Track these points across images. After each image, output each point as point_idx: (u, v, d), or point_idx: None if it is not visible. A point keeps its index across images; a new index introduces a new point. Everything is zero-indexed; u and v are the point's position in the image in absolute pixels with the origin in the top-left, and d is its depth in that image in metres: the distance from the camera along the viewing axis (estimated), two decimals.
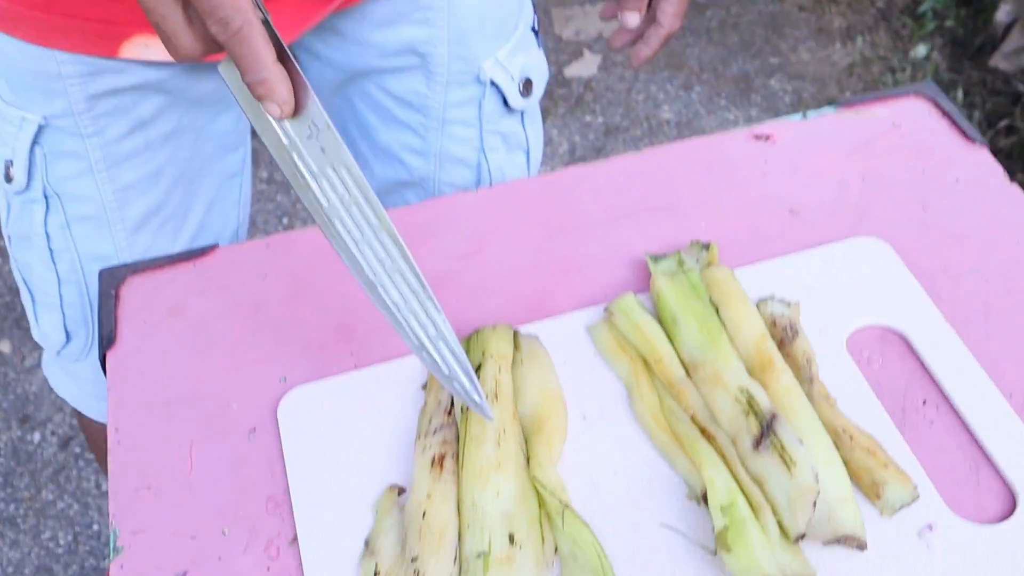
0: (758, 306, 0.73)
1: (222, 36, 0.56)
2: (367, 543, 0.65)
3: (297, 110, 0.60)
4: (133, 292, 0.82)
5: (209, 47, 0.59)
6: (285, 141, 0.61)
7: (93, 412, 1.09)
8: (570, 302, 0.78)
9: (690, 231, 0.81)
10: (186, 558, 0.66)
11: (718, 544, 0.60)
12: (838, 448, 0.65)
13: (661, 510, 0.65)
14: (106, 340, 0.79)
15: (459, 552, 0.63)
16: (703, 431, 0.66)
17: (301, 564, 0.65)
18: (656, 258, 0.77)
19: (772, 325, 0.72)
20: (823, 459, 0.63)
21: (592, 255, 0.81)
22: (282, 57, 0.58)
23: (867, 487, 0.64)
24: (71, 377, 1.07)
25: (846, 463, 0.64)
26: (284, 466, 0.70)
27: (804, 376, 0.69)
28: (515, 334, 0.73)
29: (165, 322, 0.80)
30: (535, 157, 1.04)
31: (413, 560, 0.62)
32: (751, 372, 0.69)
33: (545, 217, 0.84)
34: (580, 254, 0.81)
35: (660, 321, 0.73)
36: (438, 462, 0.66)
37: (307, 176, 0.62)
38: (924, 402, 0.69)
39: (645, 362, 0.71)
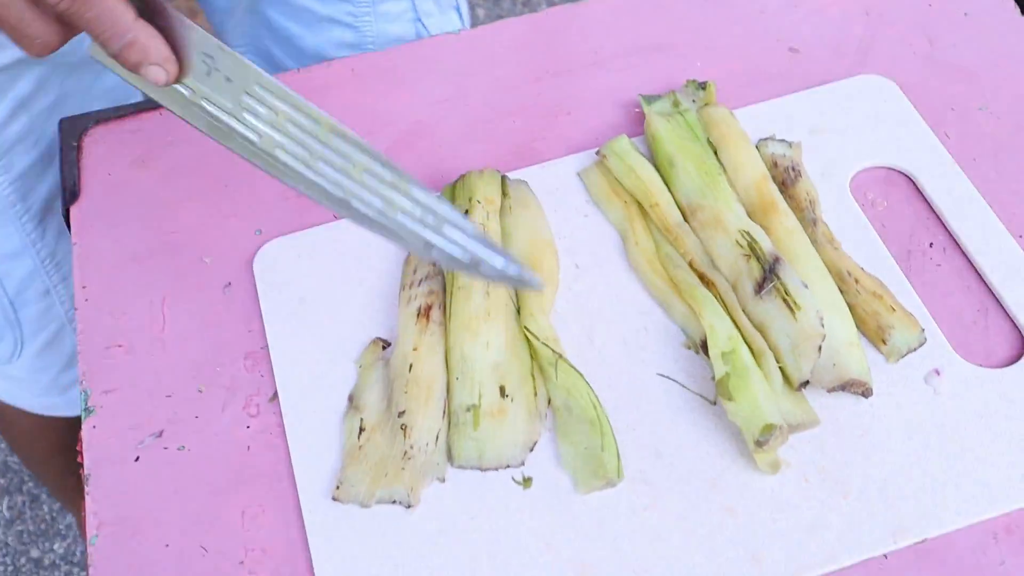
0: (758, 147, 0.69)
1: (66, 6, 0.49)
2: (351, 399, 0.62)
3: (182, 68, 0.53)
4: (96, 143, 0.77)
5: (65, 29, 0.51)
6: (186, 93, 0.54)
7: (34, 407, 1.02)
8: (560, 147, 0.74)
9: (685, 71, 0.76)
10: (162, 417, 0.63)
11: (719, 392, 0.57)
12: (843, 292, 0.62)
13: (657, 360, 0.63)
14: (69, 194, 0.74)
15: (447, 406, 0.60)
16: (702, 277, 0.63)
17: (282, 421, 0.62)
18: (650, 99, 0.73)
19: (773, 166, 0.68)
20: (828, 303, 0.60)
21: (582, 98, 0.76)
22: (150, 10, 0.51)
23: (872, 332, 0.61)
24: (5, 379, 0.99)
25: (851, 307, 0.62)
26: (262, 321, 0.66)
27: (807, 218, 0.65)
28: (503, 179, 0.69)
29: (131, 174, 0.75)
30: (464, 10, 0.97)
31: (400, 415, 0.60)
32: (752, 215, 0.65)
33: (532, 59, 0.79)
34: (570, 97, 0.76)
35: (656, 164, 0.69)
36: (424, 313, 0.63)
37: (225, 119, 0.54)
38: (931, 244, 0.66)
39: (640, 207, 0.68)
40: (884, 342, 0.61)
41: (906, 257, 0.66)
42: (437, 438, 0.59)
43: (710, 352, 0.59)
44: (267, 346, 0.65)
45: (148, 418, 0.63)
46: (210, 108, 0.54)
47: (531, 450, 0.59)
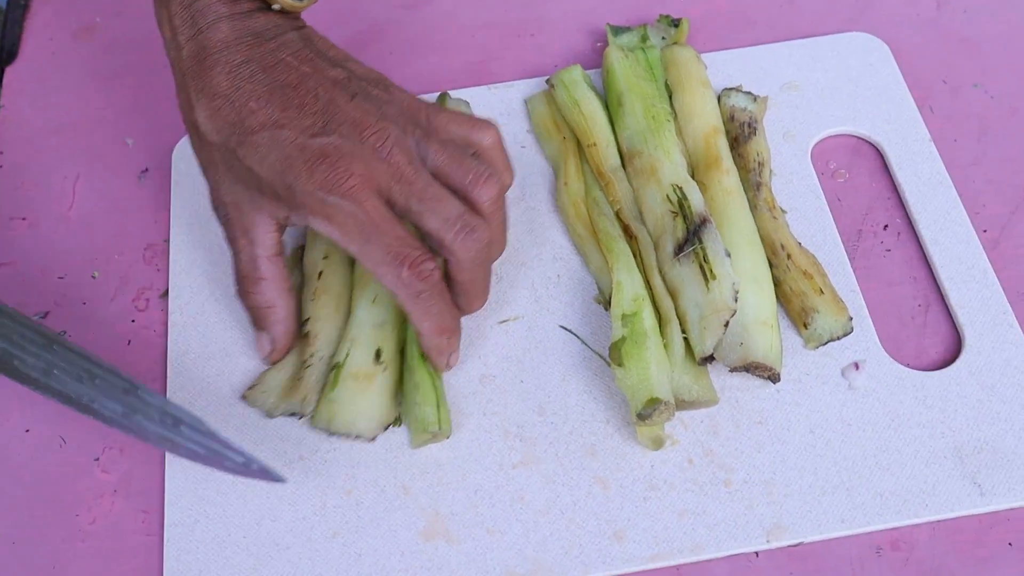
0: (719, 97, 0.64)
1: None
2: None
3: None
4: (45, 4, 0.74)
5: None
6: None
7: None
8: (515, 70, 0.69)
9: (660, 5, 0.71)
10: (50, 298, 0.61)
11: (611, 356, 0.53)
12: (772, 267, 0.57)
13: (564, 311, 0.59)
14: (7, 53, 0.71)
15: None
16: (626, 229, 0.59)
17: (167, 319, 0.60)
18: (617, 30, 0.67)
19: (729, 119, 0.63)
20: (750, 276, 0.56)
21: (550, 20, 0.71)
22: None
23: (795, 313, 0.57)
24: None
25: (777, 284, 0.57)
26: (170, 214, 0.64)
27: (752, 181, 0.60)
28: (442, 96, 0.65)
29: (74, 42, 0.72)
30: None
31: (304, 322, 0.57)
32: (695, 170, 0.60)
33: None
34: (537, 17, 0.71)
35: (606, 102, 0.64)
36: None
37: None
38: (885, 227, 0.61)
39: (578, 144, 0.63)
40: (806, 326, 0.56)
41: (855, 237, 0.60)
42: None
43: (611, 312, 0.55)
44: (170, 240, 0.63)
45: (37, 296, 0.61)
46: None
47: (385, 429, 0.55)
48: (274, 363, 0.57)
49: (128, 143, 0.67)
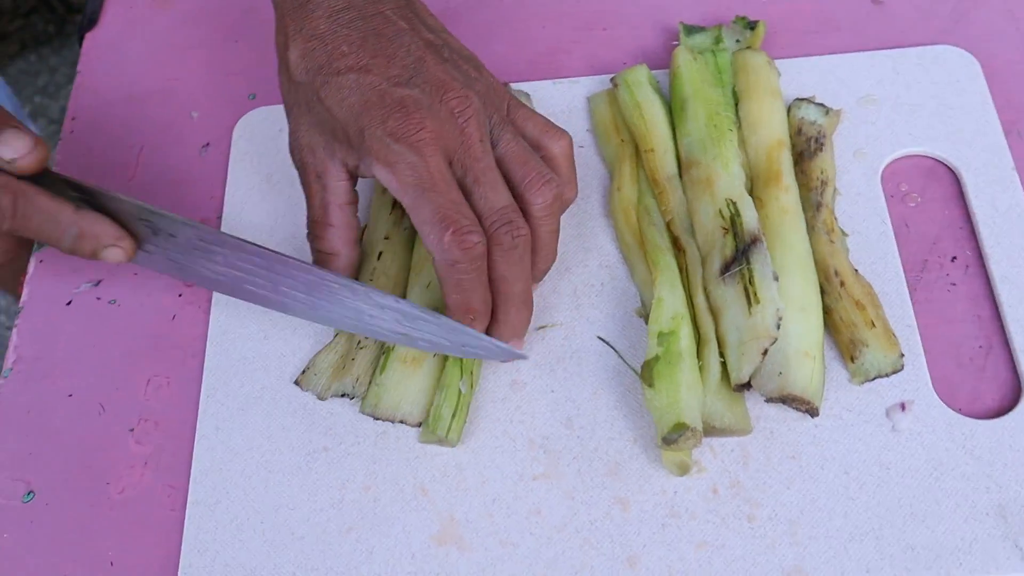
0: (790, 107, 0.61)
1: (8, 226, 0.52)
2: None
3: (133, 238, 0.55)
4: None
5: (18, 240, 0.55)
6: (146, 252, 0.56)
7: None
8: (583, 65, 0.67)
9: (742, 5, 0.68)
10: (103, 266, 0.62)
11: (642, 375, 0.52)
12: (823, 293, 0.55)
13: (604, 321, 0.57)
14: (88, 20, 0.73)
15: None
16: (675, 241, 0.57)
17: (212, 296, 0.60)
18: (691, 29, 0.65)
19: (796, 132, 0.60)
20: (797, 303, 0.53)
21: (624, 14, 0.69)
22: (84, 196, 0.54)
23: (843, 344, 0.54)
24: None
25: (827, 312, 0.54)
26: (224, 191, 0.64)
27: (812, 200, 0.57)
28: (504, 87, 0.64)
29: (151, 12, 0.73)
30: None
31: None
32: (752, 184, 0.58)
33: None
34: (611, 11, 0.69)
35: (671, 106, 0.62)
36: (399, 205, 0.58)
37: (191, 264, 0.56)
38: (953, 259, 0.57)
39: (636, 149, 0.61)
40: (853, 359, 0.53)
41: (919, 267, 0.57)
42: None
43: (648, 329, 0.53)
44: (222, 217, 0.63)
45: (91, 264, 0.62)
46: (173, 257, 0.56)
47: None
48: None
49: (193, 116, 0.68)
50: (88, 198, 0.54)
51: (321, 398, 0.56)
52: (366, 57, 0.52)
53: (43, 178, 0.53)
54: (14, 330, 0.61)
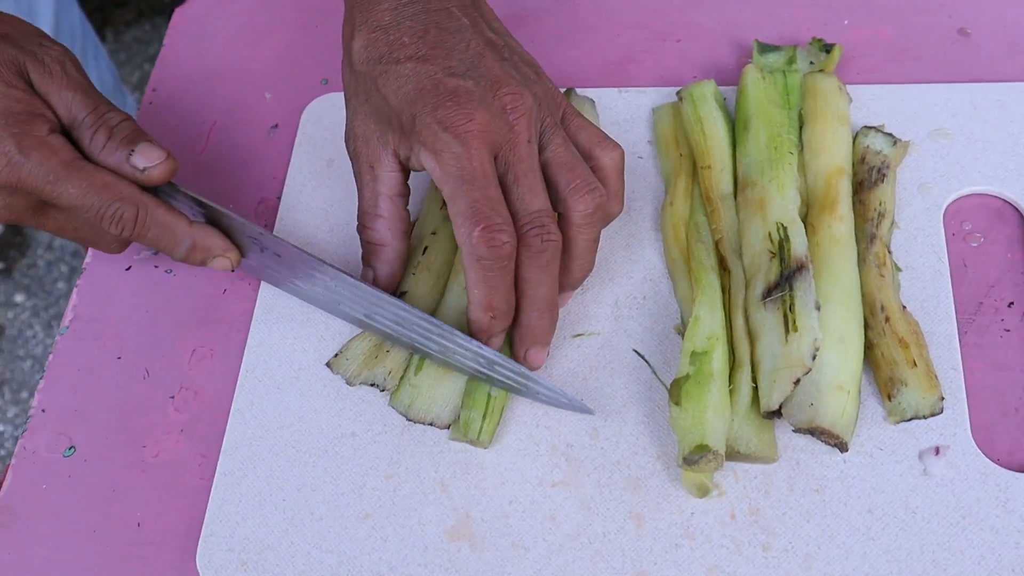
0: (856, 135, 0.60)
1: (128, 234, 0.55)
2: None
3: (241, 252, 0.58)
4: None
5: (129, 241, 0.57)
6: (252, 264, 0.60)
7: None
8: (652, 75, 0.66)
9: (824, 26, 0.66)
10: None
11: (670, 393, 0.51)
12: (867, 328, 0.53)
13: (642, 334, 0.57)
14: None
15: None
16: (721, 261, 0.56)
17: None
18: (765, 47, 0.64)
19: (860, 161, 0.58)
20: (837, 335, 0.52)
21: (698, 26, 0.68)
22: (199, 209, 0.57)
23: (882, 381, 0.53)
24: None
25: (869, 347, 0.53)
26: (287, 173, 0.65)
27: (867, 231, 0.56)
28: (570, 92, 0.64)
29: None
30: None
31: (401, 295, 0.57)
32: (808, 210, 0.57)
33: None
34: (687, 22, 0.68)
35: (734, 123, 0.61)
36: None
37: (292, 278, 0.59)
38: (1010, 304, 0.55)
39: (694, 165, 0.60)
40: (890, 397, 0.52)
41: (973, 309, 0.55)
42: None
43: (682, 347, 0.52)
44: (281, 197, 0.64)
45: None
46: (275, 271, 0.59)
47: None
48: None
49: (267, 97, 0.69)
50: (203, 211, 0.57)
51: (350, 383, 0.57)
52: (425, 48, 0.52)
53: (164, 189, 0.56)
54: (75, 290, 0.63)
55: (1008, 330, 0.55)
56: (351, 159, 0.56)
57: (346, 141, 0.56)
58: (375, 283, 0.56)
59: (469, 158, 0.50)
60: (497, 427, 0.54)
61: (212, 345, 0.60)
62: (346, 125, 0.56)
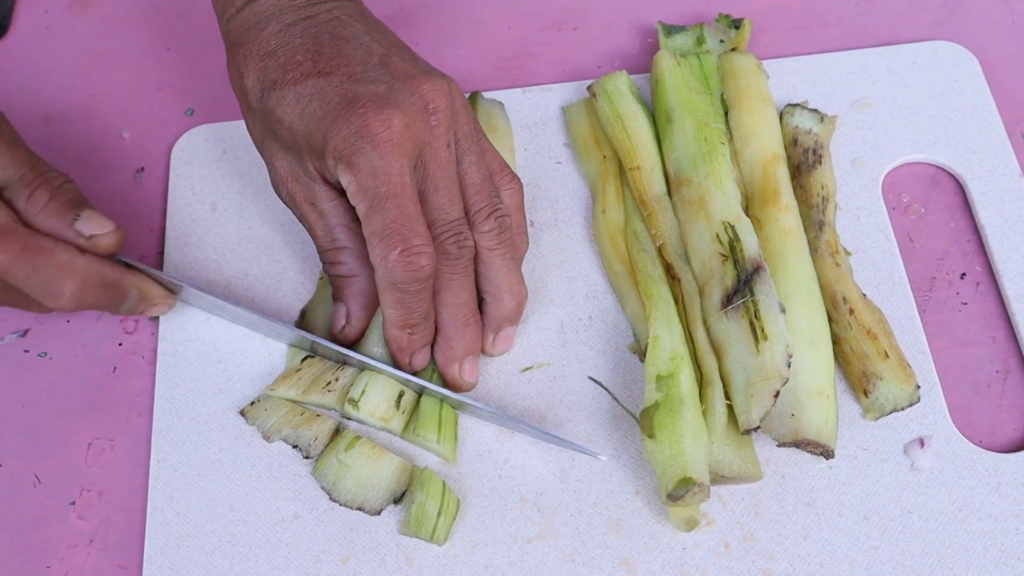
0: (782, 114, 0.56)
1: (68, 307, 0.49)
2: (303, 313, 0.54)
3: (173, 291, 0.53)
4: None
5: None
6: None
7: None
8: (553, 70, 0.62)
9: (724, 2, 0.63)
10: (31, 315, 0.55)
11: (641, 425, 0.47)
12: (831, 322, 0.51)
13: (594, 358, 0.52)
14: None
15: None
16: (668, 269, 0.52)
17: (157, 346, 0.54)
18: (670, 29, 0.60)
19: (792, 143, 0.55)
20: (806, 336, 0.49)
21: (593, 11, 0.63)
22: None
23: (855, 378, 0.50)
24: None
25: (836, 342, 0.50)
26: (164, 221, 0.58)
27: (814, 219, 0.53)
28: (474, 96, 0.58)
29: (68, 17, 0.66)
30: None
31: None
32: (748, 203, 0.53)
33: None
34: (579, 9, 0.64)
35: (654, 116, 0.57)
36: None
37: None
38: (963, 275, 0.54)
39: (620, 166, 0.56)
40: (866, 393, 0.49)
41: (927, 285, 0.53)
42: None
43: (645, 371, 0.48)
44: (163, 253, 0.57)
45: (13, 312, 0.56)
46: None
47: (396, 502, 0.49)
48: (349, 341, 0.52)
49: (124, 136, 0.61)
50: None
51: (268, 439, 0.51)
52: (323, 61, 0.47)
53: None
54: None
55: (965, 303, 0.53)
56: (289, 205, 0.50)
57: (276, 190, 0.51)
58: (348, 321, 0.51)
59: (388, 173, 0.45)
60: (453, 523, 0.48)
61: (111, 435, 0.52)
62: (270, 174, 0.51)
